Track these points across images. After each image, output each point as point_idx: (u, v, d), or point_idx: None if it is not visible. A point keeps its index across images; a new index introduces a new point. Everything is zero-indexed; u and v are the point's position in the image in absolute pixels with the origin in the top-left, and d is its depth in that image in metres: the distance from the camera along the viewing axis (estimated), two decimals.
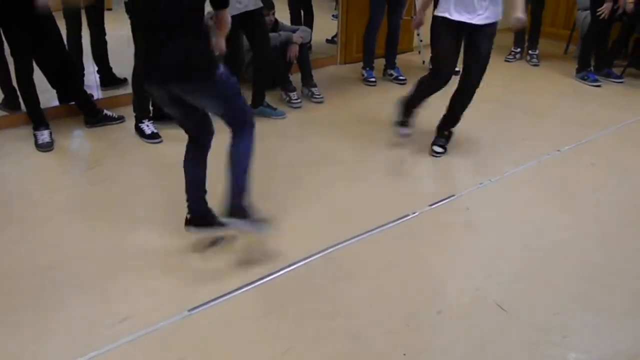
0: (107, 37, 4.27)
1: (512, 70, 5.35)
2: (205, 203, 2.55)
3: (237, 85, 2.38)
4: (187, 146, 2.51)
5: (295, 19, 5.06)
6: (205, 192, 2.54)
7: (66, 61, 3.70)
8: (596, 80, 4.96)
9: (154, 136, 3.64)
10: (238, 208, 2.39)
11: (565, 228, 2.84)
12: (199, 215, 2.54)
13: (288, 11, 5.09)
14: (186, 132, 2.49)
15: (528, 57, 5.54)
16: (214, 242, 2.62)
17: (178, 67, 2.17)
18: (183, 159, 2.50)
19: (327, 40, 5.59)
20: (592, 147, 3.74)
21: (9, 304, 2.24)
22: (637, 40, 5.22)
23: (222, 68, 2.24)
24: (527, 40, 5.55)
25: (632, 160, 3.58)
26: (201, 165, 2.51)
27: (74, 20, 4.09)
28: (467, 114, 4.26)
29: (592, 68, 5.04)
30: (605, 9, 4.62)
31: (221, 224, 2.47)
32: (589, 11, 5.26)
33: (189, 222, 2.55)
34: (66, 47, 3.77)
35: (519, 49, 5.61)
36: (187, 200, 2.53)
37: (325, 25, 5.61)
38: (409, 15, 5.07)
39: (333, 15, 5.68)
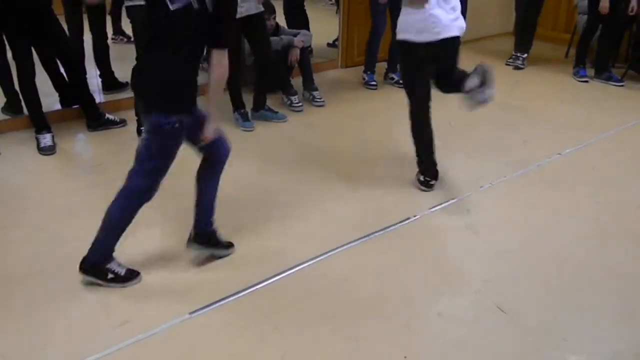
0: (109, 41, 4.30)
1: (511, 74, 5.35)
2: (210, 223, 2.48)
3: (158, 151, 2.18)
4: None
5: (291, 24, 5.05)
6: (213, 211, 2.46)
7: (72, 61, 3.72)
8: (584, 76, 5.07)
9: None
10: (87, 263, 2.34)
11: (565, 231, 2.84)
12: (201, 233, 2.48)
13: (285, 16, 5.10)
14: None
15: (511, 59, 5.51)
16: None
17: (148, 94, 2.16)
18: (193, 171, 2.43)
19: (329, 44, 5.60)
20: (593, 150, 3.74)
21: (10, 307, 2.25)
22: (636, 44, 5.23)
23: (179, 120, 2.08)
24: (517, 42, 5.53)
25: (632, 164, 3.58)
26: (210, 181, 2.42)
27: (75, 24, 4.11)
28: (467, 116, 4.27)
29: (583, 65, 5.11)
30: (602, 7, 4.65)
31: (224, 246, 2.54)
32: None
33: (191, 240, 2.51)
34: (72, 48, 3.79)
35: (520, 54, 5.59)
36: (194, 217, 2.46)
37: (326, 29, 5.62)
38: None
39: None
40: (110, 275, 2.34)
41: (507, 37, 6.54)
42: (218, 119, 2.28)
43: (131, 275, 2.38)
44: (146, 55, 2.17)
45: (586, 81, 5.04)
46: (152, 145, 2.17)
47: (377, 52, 4.80)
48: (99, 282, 2.34)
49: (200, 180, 2.42)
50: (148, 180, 2.24)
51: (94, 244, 2.32)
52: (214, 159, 2.38)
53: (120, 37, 5.06)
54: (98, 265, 2.33)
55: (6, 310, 2.23)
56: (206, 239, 2.51)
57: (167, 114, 2.08)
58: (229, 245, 2.59)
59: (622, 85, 4.96)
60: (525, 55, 5.47)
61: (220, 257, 2.54)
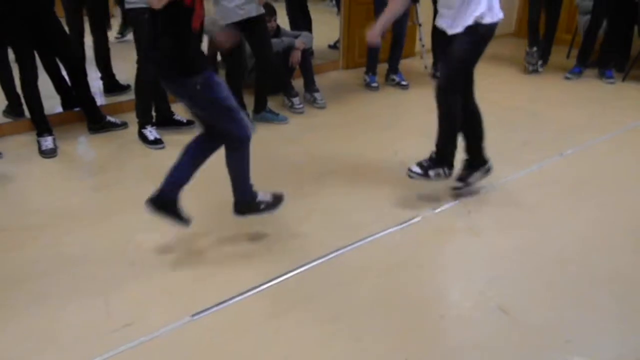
0: (109, 44, 4.31)
1: (513, 75, 5.35)
2: (178, 192, 2.52)
3: (218, 98, 2.34)
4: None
5: (294, 25, 5.08)
6: (186, 182, 2.51)
7: (74, 64, 3.73)
8: (571, 73, 5.15)
9: (156, 142, 3.66)
10: (240, 205, 2.60)
11: (567, 232, 2.83)
12: (165, 198, 2.51)
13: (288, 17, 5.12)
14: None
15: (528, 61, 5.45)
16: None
17: (158, 65, 2.32)
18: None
19: (330, 46, 5.61)
20: (594, 151, 3.74)
21: (12, 309, 2.25)
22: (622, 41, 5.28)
23: (200, 78, 2.24)
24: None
25: (634, 165, 3.57)
26: (197, 153, 2.50)
27: (76, 27, 4.12)
28: None
29: (580, 64, 5.15)
30: None
31: (183, 220, 2.55)
32: (590, 15, 5.28)
33: (152, 200, 2.52)
34: (73, 50, 3.80)
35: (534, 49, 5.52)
36: (167, 178, 2.49)
37: (327, 31, 5.63)
38: (411, 20, 5.09)
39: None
40: (262, 206, 2.62)
41: (508, 38, 6.54)
42: None
43: (278, 198, 2.67)
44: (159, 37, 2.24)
45: (568, 78, 5.14)
46: (211, 99, 2.33)
47: (378, 53, 4.81)
48: (256, 214, 2.62)
49: (190, 150, 2.51)
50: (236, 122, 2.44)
51: (235, 191, 2.56)
52: (214, 136, 2.49)
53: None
54: (250, 204, 2.59)
55: (7, 313, 2.23)
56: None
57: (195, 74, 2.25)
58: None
59: (612, 83, 5.00)
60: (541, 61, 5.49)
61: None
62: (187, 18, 2.16)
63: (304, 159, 3.58)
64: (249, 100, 4.04)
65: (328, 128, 4.06)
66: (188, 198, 2.54)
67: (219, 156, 2.53)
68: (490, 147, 3.76)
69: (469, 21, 2.67)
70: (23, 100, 3.62)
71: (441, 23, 2.80)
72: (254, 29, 3.72)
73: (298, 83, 4.50)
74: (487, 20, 2.67)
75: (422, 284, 2.45)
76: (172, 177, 2.49)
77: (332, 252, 2.61)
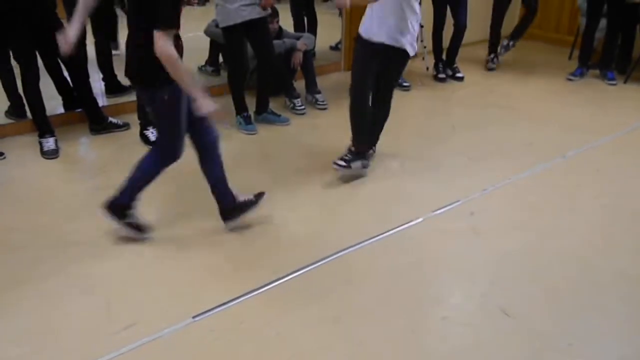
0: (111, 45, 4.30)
1: (515, 76, 5.34)
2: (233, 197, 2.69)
3: (176, 114, 2.41)
4: None
5: (298, 26, 5.08)
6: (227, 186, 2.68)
7: (76, 65, 3.72)
8: (573, 75, 5.12)
9: None
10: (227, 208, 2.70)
11: (570, 234, 2.83)
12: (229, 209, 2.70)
13: (291, 18, 5.12)
14: None
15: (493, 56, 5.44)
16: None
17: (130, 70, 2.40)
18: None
19: (331, 47, 5.60)
20: (597, 152, 3.73)
21: (13, 310, 2.25)
22: (623, 43, 5.26)
23: (169, 92, 2.31)
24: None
25: (637, 166, 3.57)
26: (213, 165, 2.64)
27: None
28: (470, 119, 4.27)
29: (582, 65, 5.13)
30: None
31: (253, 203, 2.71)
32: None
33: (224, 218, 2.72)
34: (76, 50, 3.79)
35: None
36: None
37: (329, 32, 5.62)
38: None
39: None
40: (128, 220, 2.60)
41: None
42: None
43: (144, 228, 2.65)
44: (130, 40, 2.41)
45: (570, 79, 5.11)
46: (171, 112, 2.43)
47: None
48: (117, 221, 2.60)
49: (204, 169, 2.64)
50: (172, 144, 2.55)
51: (122, 188, 2.58)
52: (205, 148, 2.59)
53: None
54: (121, 207, 2.59)
55: (9, 313, 2.23)
56: (237, 211, 2.71)
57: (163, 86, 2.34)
58: (257, 198, 2.76)
59: (613, 84, 4.98)
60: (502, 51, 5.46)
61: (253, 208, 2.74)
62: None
63: (305, 160, 3.58)
64: (251, 102, 4.04)
65: (330, 129, 4.05)
66: (189, 199, 2.54)
67: (228, 158, 2.52)
68: (493, 148, 3.76)
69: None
70: (25, 101, 3.62)
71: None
72: (256, 30, 3.72)
73: (300, 84, 4.49)
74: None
75: (424, 286, 2.44)
76: (217, 190, 2.69)
77: (334, 254, 2.60)
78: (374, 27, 2.99)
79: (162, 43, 2.14)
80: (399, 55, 3.06)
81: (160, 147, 2.59)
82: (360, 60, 3.11)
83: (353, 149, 3.25)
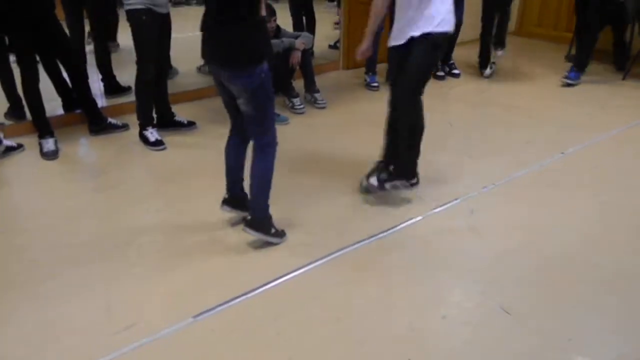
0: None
1: (513, 73, 5.35)
2: (242, 188, 2.71)
3: (271, 91, 2.42)
4: (230, 131, 2.62)
5: (297, 25, 5.08)
6: (242, 179, 2.69)
7: (75, 66, 3.73)
8: (571, 79, 4.97)
9: (158, 143, 3.66)
10: (253, 220, 2.58)
11: (569, 231, 2.83)
12: (234, 198, 2.71)
13: (290, 18, 5.12)
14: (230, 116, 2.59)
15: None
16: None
17: (220, 53, 2.30)
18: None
19: (330, 46, 5.61)
20: (596, 150, 3.73)
21: (14, 311, 2.25)
22: (616, 44, 5.25)
23: (265, 67, 2.28)
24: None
25: (635, 163, 3.57)
26: (238, 153, 2.63)
27: (77, 29, 4.12)
28: (468, 117, 4.27)
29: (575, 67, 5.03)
30: None
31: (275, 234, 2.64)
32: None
33: (225, 202, 2.72)
34: (74, 52, 3.80)
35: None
36: (227, 183, 2.68)
37: (327, 31, 5.63)
38: None
39: (336, 23, 5.70)
40: (273, 230, 2.61)
41: (509, 37, 6.51)
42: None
43: (283, 233, 2.68)
44: (220, 25, 2.27)
45: (569, 84, 4.95)
46: (267, 95, 2.41)
47: (377, 52, 4.80)
48: (264, 236, 2.60)
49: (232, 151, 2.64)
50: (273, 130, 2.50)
51: (255, 202, 2.56)
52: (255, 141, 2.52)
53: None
54: (263, 221, 2.59)
55: (9, 314, 2.23)
56: (240, 201, 2.72)
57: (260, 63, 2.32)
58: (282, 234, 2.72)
59: (571, 84, 4.91)
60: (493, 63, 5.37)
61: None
62: (254, 3, 2.18)
63: (304, 159, 3.58)
64: None
65: (329, 128, 4.06)
66: (191, 198, 2.55)
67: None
68: (492, 145, 3.77)
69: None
70: (24, 103, 3.62)
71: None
72: None
73: (298, 84, 4.50)
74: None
75: (424, 284, 2.44)
76: (228, 177, 2.69)
77: (333, 252, 2.61)
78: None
79: None
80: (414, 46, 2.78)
81: (266, 136, 2.47)
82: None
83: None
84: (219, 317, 2.23)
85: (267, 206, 2.57)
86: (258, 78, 2.29)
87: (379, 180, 3.01)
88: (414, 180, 3.06)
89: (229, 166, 2.67)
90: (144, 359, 2.03)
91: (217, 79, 2.44)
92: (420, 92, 2.85)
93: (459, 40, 5.05)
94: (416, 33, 2.73)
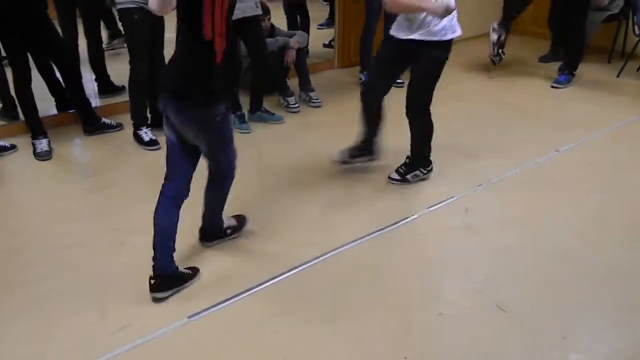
0: (104, 45, 4.29)
1: (508, 71, 5.34)
2: (172, 260, 2.33)
3: (230, 130, 2.36)
4: (161, 192, 2.30)
5: (292, 24, 5.07)
6: (173, 247, 2.32)
7: (68, 66, 3.71)
8: (558, 83, 4.85)
9: (152, 143, 3.65)
10: (212, 232, 2.63)
11: (564, 228, 2.84)
12: (166, 276, 2.30)
13: (284, 16, 5.11)
14: (167, 171, 2.33)
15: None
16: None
17: (173, 90, 2.15)
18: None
19: (325, 45, 5.59)
20: (591, 147, 3.74)
21: (9, 312, 2.24)
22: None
23: (222, 109, 2.17)
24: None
25: (629, 160, 3.58)
26: (174, 213, 2.31)
27: (70, 29, 4.10)
28: (464, 115, 4.27)
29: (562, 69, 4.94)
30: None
31: (188, 279, 2.39)
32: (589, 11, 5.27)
33: (154, 287, 2.27)
34: (67, 52, 3.78)
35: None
36: (153, 259, 2.27)
37: (322, 30, 5.62)
38: None
39: (319, 25, 5.71)
40: (229, 231, 2.66)
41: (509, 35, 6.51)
42: None
43: (241, 220, 2.72)
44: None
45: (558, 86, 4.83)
46: (229, 133, 2.36)
47: (371, 50, 4.78)
48: (224, 240, 2.65)
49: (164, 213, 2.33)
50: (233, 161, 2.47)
51: (205, 219, 2.59)
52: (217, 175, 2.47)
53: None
54: (217, 231, 2.63)
55: (4, 316, 2.22)
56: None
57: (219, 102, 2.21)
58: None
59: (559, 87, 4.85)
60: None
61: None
62: (209, 51, 2.04)
63: (299, 158, 3.58)
64: (245, 100, 4.03)
65: (324, 127, 4.05)
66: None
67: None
68: (487, 144, 3.77)
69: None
70: (17, 103, 3.60)
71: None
72: (249, 28, 3.70)
73: (293, 82, 4.49)
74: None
75: (419, 282, 2.44)
76: (157, 248, 2.30)
77: (328, 252, 2.60)
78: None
79: None
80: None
81: (223, 168, 2.42)
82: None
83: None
84: (214, 317, 2.22)
85: (219, 218, 2.62)
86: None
87: (399, 173, 3.21)
88: (430, 167, 3.27)
89: (158, 232, 2.30)
90: (139, 359, 2.02)
91: None
92: (431, 100, 3.07)
93: (461, 37, 5.02)
94: (433, 37, 2.78)
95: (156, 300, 2.28)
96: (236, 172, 2.48)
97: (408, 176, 3.21)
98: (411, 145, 3.21)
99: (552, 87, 4.81)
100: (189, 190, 2.33)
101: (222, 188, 2.50)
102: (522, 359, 2.05)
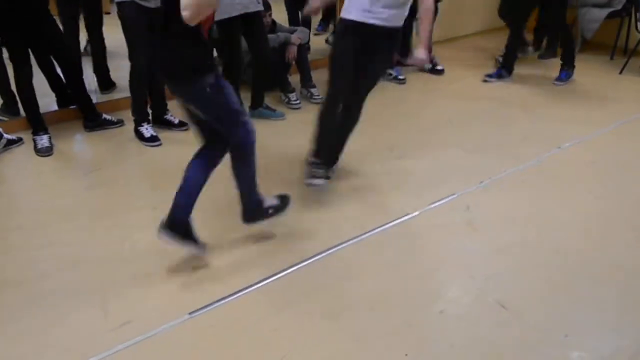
0: (105, 41, 4.28)
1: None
2: (189, 213, 2.41)
3: (227, 102, 2.30)
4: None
5: (293, 20, 5.06)
6: (194, 200, 2.40)
7: (70, 62, 3.70)
8: (559, 80, 4.89)
9: (153, 139, 3.64)
10: (251, 212, 2.57)
11: (566, 226, 2.83)
12: (177, 222, 2.38)
13: (285, 12, 5.10)
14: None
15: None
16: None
17: (165, 69, 2.24)
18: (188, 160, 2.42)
19: (327, 41, 5.58)
20: (592, 144, 3.73)
21: (10, 310, 2.24)
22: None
23: (211, 80, 2.19)
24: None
25: (631, 158, 3.57)
26: (200, 171, 2.40)
27: (71, 24, 4.09)
28: (466, 112, 4.27)
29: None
30: None
31: (195, 242, 2.44)
32: (589, 7, 5.26)
33: (164, 225, 2.38)
34: (68, 48, 3.77)
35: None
36: (174, 202, 2.38)
37: (320, 33, 5.62)
38: None
39: (315, 31, 5.69)
40: (270, 211, 2.60)
41: (495, 32, 6.51)
42: None
43: (285, 199, 2.66)
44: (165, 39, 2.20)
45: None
46: (220, 104, 2.29)
47: None
48: (265, 221, 2.60)
49: (193, 168, 2.41)
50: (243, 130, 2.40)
51: (242, 199, 2.53)
52: (215, 146, 2.43)
53: None
54: (257, 210, 2.57)
55: (5, 314, 2.22)
56: (182, 229, 2.41)
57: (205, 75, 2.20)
58: (201, 243, 2.49)
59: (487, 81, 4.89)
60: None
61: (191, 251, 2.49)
62: (196, 28, 2.07)
63: (301, 155, 3.56)
64: (246, 97, 4.02)
65: None
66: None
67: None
68: (489, 140, 3.76)
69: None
70: (18, 99, 3.60)
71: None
72: (251, 24, 3.70)
73: (294, 79, 4.48)
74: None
75: (421, 280, 2.44)
76: (180, 200, 2.38)
77: (329, 249, 2.60)
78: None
79: None
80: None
81: (234, 142, 2.40)
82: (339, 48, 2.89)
83: None
84: (215, 313, 2.22)
85: (255, 194, 2.55)
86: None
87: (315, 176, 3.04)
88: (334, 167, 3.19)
89: (183, 183, 2.42)
90: (140, 356, 2.02)
91: None
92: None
93: (459, 34, 5.02)
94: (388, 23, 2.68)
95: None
96: (255, 148, 2.44)
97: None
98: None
99: (554, 84, 4.81)
100: (221, 152, 2.43)
101: (244, 164, 2.46)
102: (523, 357, 2.04)
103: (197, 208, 2.46)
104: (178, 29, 2.05)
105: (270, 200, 2.63)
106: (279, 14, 4.61)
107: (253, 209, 2.58)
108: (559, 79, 4.86)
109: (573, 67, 4.85)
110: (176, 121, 3.90)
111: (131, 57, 3.51)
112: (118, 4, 3.36)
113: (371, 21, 2.66)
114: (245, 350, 2.05)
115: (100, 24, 4.21)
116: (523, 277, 2.46)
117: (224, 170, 2.69)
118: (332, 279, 2.42)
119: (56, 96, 3.96)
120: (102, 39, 4.25)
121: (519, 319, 2.20)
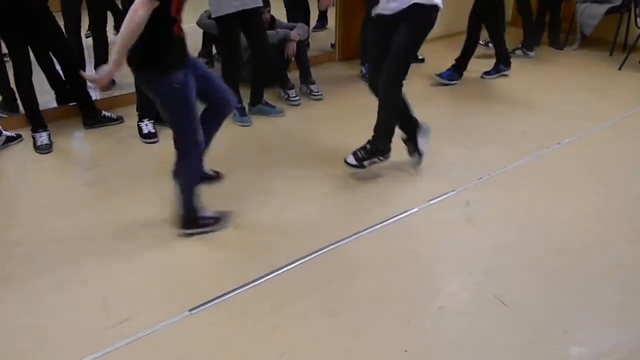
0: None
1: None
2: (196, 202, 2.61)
3: (184, 105, 2.34)
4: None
5: (292, 17, 5.05)
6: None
7: (69, 59, 3.70)
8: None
9: (149, 136, 3.64)
10: (179, 218, 2.63)
11: (565, 222, 2.83)
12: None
13: (284, 9, 5.09)
14: None
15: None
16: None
17: (136, 62, 2.26)
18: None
19: (332, 45, 5.57)
20: (592, 140, 3.73)
21: (8, 307, 2.24)
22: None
23: (180, 76, 2.24)
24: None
25: (631, 153, 3.57)
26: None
27: (73, 21, 4.08)
28: (465, 108, 4.26)
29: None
30: None
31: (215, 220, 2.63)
32: (588, 3, 5.25)
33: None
34: (68, 45, 3.76)
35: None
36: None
37: (317, 32, 5.61)
38: None
39: (313, 28, 5.67)
40: (203, 222, 2.63)
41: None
42: None
43: (223, 216, 2.66)
44: None
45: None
46: (178, 105, 2.38)
47: None
48: (195, 232, 2.62)
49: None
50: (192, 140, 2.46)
51: (177, 202, 2.58)
52: (215, 110, 2.55)
53: None
54: (188, 218, 2.60)
55: (4, 310, 2.22)
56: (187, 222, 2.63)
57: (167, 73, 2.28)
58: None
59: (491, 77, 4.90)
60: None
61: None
62: (169, 25, 2.19)
63: (300, 151, 3.57)
64: (245, 93, 4.02)
65: (324, 120, 4.04)
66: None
67: (222, 150, 2.50)
68: (489, 136, 3.76)
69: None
70: (17, 96, 3.59)
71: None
72: (249, 20, 3.69)
73: (294, 75, 4.47)
74: None
75: (420, 276, 2.44)
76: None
77: (329, 245, 2.60)
78: None
79: (139, 5, 2.07)
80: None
81: (183, 145, 2.49)
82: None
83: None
84: (214, 310, 2.22)
85: (192, 206, 2.58)
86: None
87: (356, 158, 3.09)
88: (388, 155, 3.15)
89: None
90: (139, 353, 2.02)
91: None
92: (404, 78, 2.91)
93: (457, 30, 5.01)
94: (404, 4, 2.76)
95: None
96: (194, 163, 2.51)
97: (365, 162, 3.11)
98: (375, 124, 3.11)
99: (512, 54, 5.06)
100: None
101: (181, 170, 2.52)
102: (522, 352, 2.05)
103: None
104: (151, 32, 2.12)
105: (208, 213, 2.66)
106: (278, 11, 4.60)
107: (183, 216, 2.61)
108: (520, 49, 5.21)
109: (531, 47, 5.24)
110: None
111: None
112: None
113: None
114: (245, 347, 2.05)
115: (104, 19, 4.20)
116: (523, 273, 2.46)
117: (223, 169, 2.70)
118: (332, 276, 2.43)
119: (55, 93, 3.96)
120: (106, 37, 4.24)
121: (519, 315, 2.21)
